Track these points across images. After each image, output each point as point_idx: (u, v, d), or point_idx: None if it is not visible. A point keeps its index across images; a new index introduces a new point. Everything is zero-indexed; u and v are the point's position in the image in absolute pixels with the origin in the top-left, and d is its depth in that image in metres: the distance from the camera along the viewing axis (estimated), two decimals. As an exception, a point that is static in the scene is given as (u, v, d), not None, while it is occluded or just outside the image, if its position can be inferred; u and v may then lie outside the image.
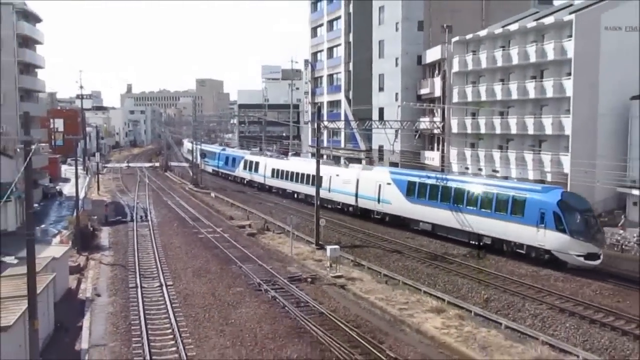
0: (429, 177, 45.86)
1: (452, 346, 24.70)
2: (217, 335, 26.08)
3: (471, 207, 40.62)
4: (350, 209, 53.98)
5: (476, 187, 41.48)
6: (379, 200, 49.65)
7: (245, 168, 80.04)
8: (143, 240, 47.02)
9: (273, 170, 70.19)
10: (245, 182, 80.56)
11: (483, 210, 39.63)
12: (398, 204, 47.64)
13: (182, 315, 28.64)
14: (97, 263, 40.26)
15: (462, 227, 41.30)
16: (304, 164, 64.11)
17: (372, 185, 50.31)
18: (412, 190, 46.20)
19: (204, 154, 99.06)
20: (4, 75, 61.03)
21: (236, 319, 28.06)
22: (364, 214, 52.15)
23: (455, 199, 41.86)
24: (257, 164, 76.05)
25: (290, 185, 65.46)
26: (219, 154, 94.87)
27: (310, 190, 56.43)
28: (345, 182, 54.05)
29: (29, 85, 70.64)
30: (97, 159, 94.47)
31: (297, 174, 63.36)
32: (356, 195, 52.73)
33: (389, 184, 48.63)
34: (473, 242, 40.62)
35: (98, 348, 25.08)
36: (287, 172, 66.09)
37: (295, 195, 64.14)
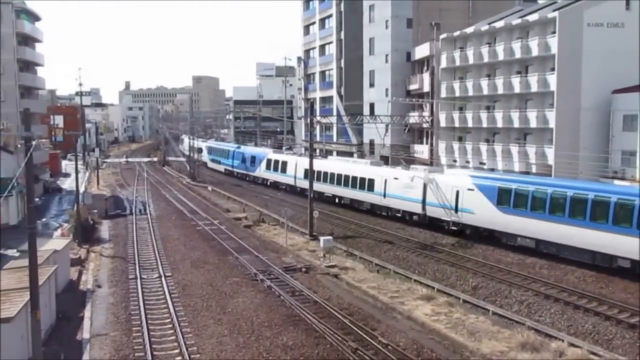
0: (529, 183, 37.80)
1: (441, 332, 25.30)
2: (215, 324, 26.63)
3: (599, 221, 32.28)
4: (415, 217, 45.99)
5: (603, 194, 32.84)
6: (456, 209, 41.59)
7: (269, 168, 71.13)
8: (142, 232, 47.56)
9: (307, 171, 57.80)
10: (267, 183, 72.21)
11: (621, 225, 31.25)
12: (485, 215, 39.44)
13: (181, 305, 29.17)
14: (97, 255, 40.74)
15: (583, 245, 33.23)
16: (349, 165, 55.96)
17: (447, 191, 42.19)
18: (505, 198, 37.93)
19: (209, 151, 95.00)
20: (4, 72, 61.45)
21: (233, 308, 28.65)
22: (433, 224, 44.45)
23: (574, 209, 33.74)
24: (284, 164, 67.16)
25: (330, 189, 56.92)
26: (233, 152, 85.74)
27: (358, 194, 52.17)
28: (407, 186, 46.16)
29: (29, 83, 71.07)
30: (97, 154, 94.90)
31: (341, 175, 55.19)
32: (423, 203, 44.74)
33: (470, 190, 40.52)
34: (601, 265, 32.61)
35: (99, 337, 25.51)
36: (327, 173, 57.07)
37: (338, 200, 56.35)
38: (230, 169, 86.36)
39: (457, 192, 41.41)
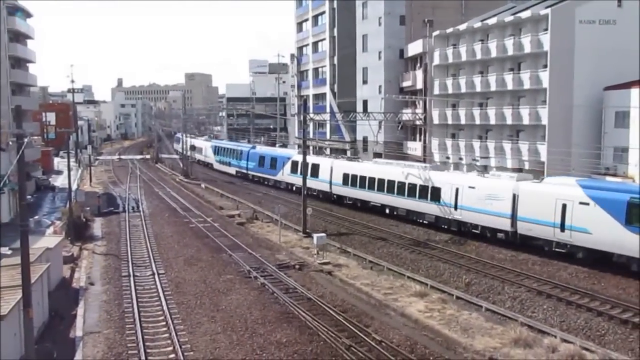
0: None
1: (435, 329, 25.46)
2: (209, 322, 26.68)
3: None
4: (500, 235, 38.64)
5: None
6: (562, 227, 34.32)
7: (295, 171, 62.46)
8: (135, 230, 47.55)
9: (347, 176, 53.97)
10: (293, 188, 63.01)
11: None
12: (608, 235, 31.99)
13: (174, 303, 29.21)
14: (90, 253, 40.73)
15: None
16: (403, 170, 47.38)
17: (548, 204, 34.89)
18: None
19: (217, 151, 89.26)
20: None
21: (227, 306, 28.72)
22: (525, 243, 37.06)
23: None
24: (315, 167, 58.29)
25: (378, 197, 49.53)
26: (248, 152, 77.59)
27: (418, 205, 44.95)
28: (489, 197, 38.87)
29: (21, 80, 70.63)
30: (89, 152, 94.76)
31: (393, 182, 47.62)
32: (513, 217, 37.43)
33: (584, 203, 33.23)
34: None
35: (92, 335, 25.52)
36: (375, 179, 49.69)
37: (389, 211, 48.82)
38: (243, 171, 78.28)
39: (564, 206, 34.22)
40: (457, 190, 41.26)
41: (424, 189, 44.28)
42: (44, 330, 26.30)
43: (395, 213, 47.85)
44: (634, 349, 23.06)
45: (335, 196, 56.19)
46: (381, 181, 48.99)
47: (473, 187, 40.21)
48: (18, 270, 21.67)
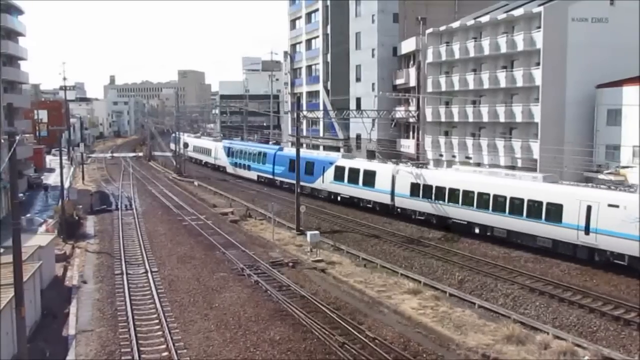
0: None
1: (428, 326, 25.57)
2: (202, 319, 26.66)
3: None
4: None
5: None
6: None
7: (340, 179, 52.90)
8: (128, 228, 47.40)
9: (416, 186, 44.58)
10: (337, 198, 53.77)
11: None
12: None
13: (168, 301, 29.18)
14: (82, 251, 40.61)
15: None
16: (504, 181, 38.83)
17: None
18: None
19: (230, 152, 79.44)
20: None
21: (220, 303, 28.69)
22: None
23: None
24: (370, 174, 49.60)
25: (464, 214, 40.60)
26: (274, 155, 66.36)
27: (525, 226, 36.02)
28: None
29: (12, 77, 70.34)
30: (82, 149, 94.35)
31: (488, 195, 38.70)
32: None
33: None
34: None
35: (85, 334, 25.47)
36: (473, 194, 39.61)
37: (479, 231, 39.66)
38: (267, 176, 67.35)
39: None
40: (589, 208, 32.47)
41: (534, 205, 35.61)
42: (37, 329, 26.21)
43: (488, 234, 38.91)
44: (625, 345, 23.20)
45: (399, 209, 46.99)
46: (469, 193, 40.10)
47: (616, 206, 31.23)
48: (10, 268, 21.56)
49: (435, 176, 43.95)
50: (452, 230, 41.41)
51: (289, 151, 64.63)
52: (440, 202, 42.36)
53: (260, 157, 69.71)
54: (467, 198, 40.15)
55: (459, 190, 40.92)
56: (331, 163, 54.98)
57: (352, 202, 51.99)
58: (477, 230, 39.72)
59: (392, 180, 47.20)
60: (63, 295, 31.14)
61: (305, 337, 24.45)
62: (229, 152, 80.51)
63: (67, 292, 31.84)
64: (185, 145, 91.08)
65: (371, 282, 31.68)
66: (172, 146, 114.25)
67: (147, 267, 35.34)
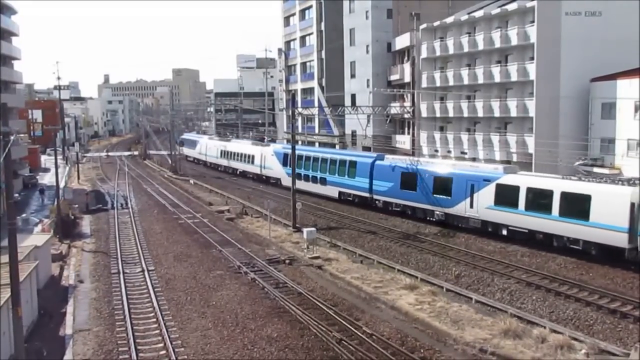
0: None
1: (425, 321, 25.56)
2: (199, 317, 26.67)
3: None
4: None
5: None
6: None
7: (509, 204, 36.93)
8: (124, 227, 47.33)
9: None
10: (502, 232, 37.95)
11: None
12: None
13: (164, 299, 29.17)
14: (79, 250, 40.51)
15: None
16: None
17: None
18: None
19: (283, 159, 62.15)
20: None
21: (217, 301, 28.69)
22: None
23: None
24: (584, 200, 32.57)
25: None
26: (370, 165, 49.53)
27: None
28: None
29: (6, 77, 70.10)
30: (77, 149, 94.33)
31: None
32: None
33: None
34: None
35: (82, 333, 25.45)
36: None
37: None
38: (361, 194, 50.78)
39: None
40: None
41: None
42: (34, 329, 26.18)
43: None
44: (622, 338, 23.26)
45: None
46: None
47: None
48: (6, 268, 21.62)
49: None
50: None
51: (396, 161, 47.66)
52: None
53: (345, 168, 52.75)
54: None
55: None
56: (487, 180, 38.96)
57: (533, 238, 36.01)
58: None
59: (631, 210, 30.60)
60: (60, 295, 31.11)
61: (302, 334, 24.48)
62: (285, 160, 60.53)
63: (64, 291, 31.80)
64: (224, 154, 79.51)
65: (368, 278, 31.66)
66: (184, 150, 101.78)
67: (144, 265, 35.31)
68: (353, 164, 51.87)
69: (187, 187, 70.96)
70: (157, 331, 25.26)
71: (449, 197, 41.37)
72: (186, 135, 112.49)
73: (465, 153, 54.48)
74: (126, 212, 54.27)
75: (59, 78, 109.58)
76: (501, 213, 37.71)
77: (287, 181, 57.13)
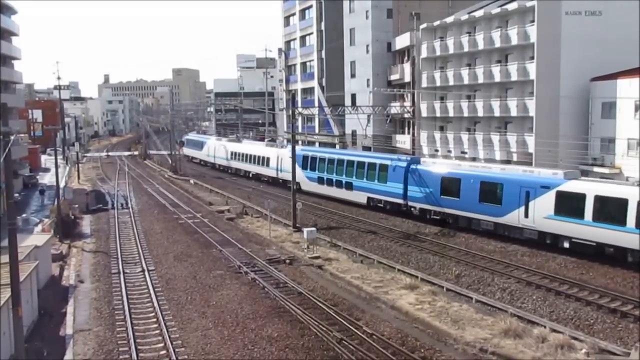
0: None
1: (425, 321, 25.58)
2: (200, 317, 26.68)
3: None
4: None
5: None
6: None
7: (574, 213, 33.26)
8: (124, 227, 47.35)
9: None
10: (562, 244, 34.08)
11: None
12: None
13: (165, 299, 29.19)
14: (79, 250, 40.52)
15: None
16: None
17: None
18: None
19: (308, 163, 57.55)
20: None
21: (217, 301, 28.71)
22: None
23: None
24: None
25: None
26: (405, 169, 45.27)
27: None
28: None
29: (6, 77, 70.13)
30: (77, 149, 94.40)
31: None
32: None
33: None
34: None
35: (82, 333, 25.47)
36: None
37: None
38: (393, 200, 46.76)
39: None
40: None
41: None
42: (34, 329, 26.19)
43: None
44: (622, 337, 23.27)
45: None
46: None
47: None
48: (6, 268, 21.63)
49: None
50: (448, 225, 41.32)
51: (436, 164, 44.05)
52: None
53: (375, 172, 48.75)
54: None
55: None
56: (545, 187, 35.17)
57: (602, 252, 32.47)
58: None
59: None
60: (60, 295, 31.13)
61: (303, 334, 24.49)
62: (308, 163, 57.94)
63: (64, 291, 31.82)
64: (235, 155, 76.46)
65: (368, 278, 31.67)
66: (188, 151, 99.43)
67: (144, 265, 35.33)
68: (384, 167, 47.83)
69: (187, 187, 70.98)
70: (158, 331, 25.26)
71: (499, 205, 37.62)
72: (190, 136, 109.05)
73: (466, 153, 54.48)
74: (126, 212, 54.29)
75: (59, 78, 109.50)
76: (563, 224, 33.83)
77: (308, 186, 56.78)
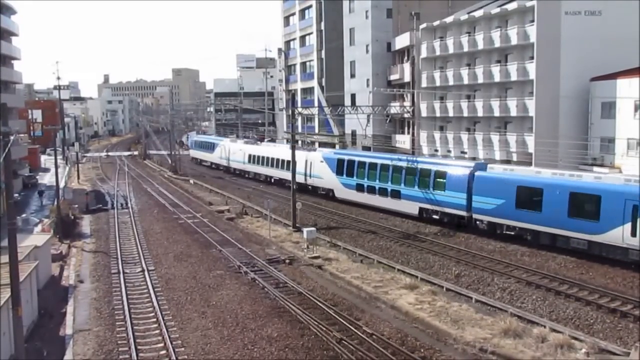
0: None
1: (425, 320, 25.57)
2: (199, 317, 26.67)
3: None
4: None
5: None
6: None
7: None
8: (124, 227, 47.32)
9: None
10: None
11: None
12: None
13: (165, 299, 29.17)
14: (79, 250, 40.49)
15: None
16: None
17: None
18: None
19: (344, 168, 52.36)
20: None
21: (217, 301, 28.69)
22: None
23: None
24: None
25: None
26: (468, 177, 40.12)
27: None
28: None
29: (6, 77, 70.11)
30: (77, 149, 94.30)
31: None
32: None
33: None
34: None
35: (82, 333, 25.45)
36: None
37: None
38: (457, 211, 41.22)
39: None
40: None
41: None
42: (34, 329, 26.17)
43: None
44: (622, 337, 23.26)
45: None
46: None
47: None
48: (6, 268, 21.62)
49: None
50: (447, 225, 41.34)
51: (508, 171, 38.85)
52: None
53: (429, 179, 43.23)
54: None
55: None
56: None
57: None
58: None
59: None
60: (60, 295, 31.11)
61: (302, 334, 24.47)
62: (344, 168, 52.36)
63: (64, 291, 31.79)
64: (258, 159, 70.62)
65: (368, 278, 31.65)
66: (194, 152, 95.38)
67: (144, 265, 35.31)
68: (441, 174, 42.22)
69: (187, 187, 70.94)
70: (157, 331, 25.24)
71: (596, 221, 31.91)
72: (199, 137, 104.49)
73: (465, 152, 54.49)
74: (126, 212, 54.25)
75: (58, 78, 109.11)
76: None
77: (343, 193, 52.42)
